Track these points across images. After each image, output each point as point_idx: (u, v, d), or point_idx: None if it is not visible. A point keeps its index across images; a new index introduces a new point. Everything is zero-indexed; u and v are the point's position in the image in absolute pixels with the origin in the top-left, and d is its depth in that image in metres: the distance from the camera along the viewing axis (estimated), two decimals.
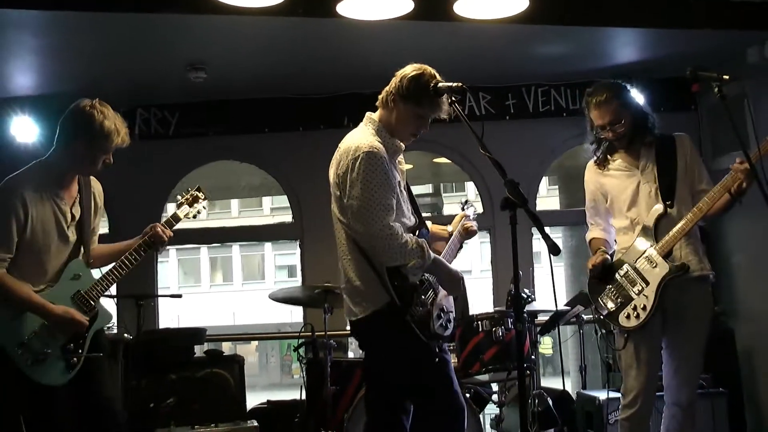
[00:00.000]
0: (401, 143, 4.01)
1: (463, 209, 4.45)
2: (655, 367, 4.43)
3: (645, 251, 4.44)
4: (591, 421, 5.67)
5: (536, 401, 5.77)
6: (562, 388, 6.43)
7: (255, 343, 28.98)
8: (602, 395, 5.61)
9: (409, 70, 3.90)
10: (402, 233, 3.74)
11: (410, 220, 3.98)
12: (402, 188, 3.98)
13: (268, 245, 30.93)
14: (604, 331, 6.42)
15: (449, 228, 4.34)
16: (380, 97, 3.98)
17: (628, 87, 4.60)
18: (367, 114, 4.03)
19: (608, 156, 4.65)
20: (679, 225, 4.38)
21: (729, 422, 5.70)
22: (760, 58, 6.46)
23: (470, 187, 21.13)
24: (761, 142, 4.20)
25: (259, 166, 7.86)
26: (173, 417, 5.77)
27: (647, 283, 4.39)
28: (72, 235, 4.21)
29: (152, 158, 7.47)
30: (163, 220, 4.61)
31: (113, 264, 4.32)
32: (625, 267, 4.49)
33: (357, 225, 3.78)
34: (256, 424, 5.86)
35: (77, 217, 4.23)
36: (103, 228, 7.75)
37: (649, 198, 4.50)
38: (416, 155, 8.71)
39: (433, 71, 3.89)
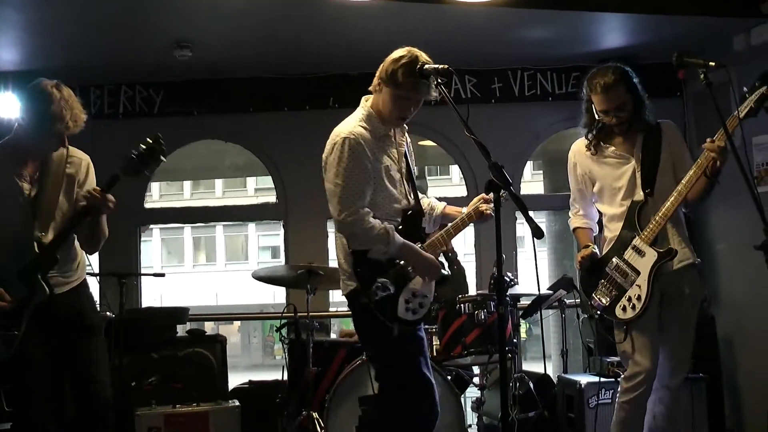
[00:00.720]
0: (395, 126, 4.08)
1: (487, 192, 4.27)
2: (657, 352, 4.42)
3: (631, 242, 4.44)
4: (571, 405, 5.69)
5: (517, 384, 5.80)
6: (543, 371, 6.46)
7: (237, 323, 28.99)
8: (583, 379, 5.64)
9: (394, 53, 3.94)
10: (369, 219, 3.85)
11: (401, 203, 4.04)
12: (395, 171, 4.04)
13: (251, 226, 30.91)
14: (585, 315, 6.49)
15: (464, 210, 4.28)
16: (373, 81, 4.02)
17: (629, 70, 4.51)
18: (363, 97, 4.09)
19: (601, 142, 4.61)
20: (660, 212, 4.38)
21: (708, 407, 5.73)
22: (746, 46, 6.48)
23: (455, 171, 21.17)
24: (728, 119, 4.20)
25: (243, 146, 7.84)
26: (155, 396, 5.77)
27: (638, 273, 4.39)
28: (25, 211, 4.15)
29: (136, 136, 7.35)
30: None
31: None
32: (614, 259, 4.48)
33: (330, 207, 3.93)
34: (237, 403, 5.86)
35: (32, 194, 4.18)
36: None
37: (637, 187, 4.50)
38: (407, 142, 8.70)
39: (416, 53, 3.89)
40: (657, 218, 4.37)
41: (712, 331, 6.34)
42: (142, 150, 4.19)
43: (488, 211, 4.18)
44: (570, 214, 4.85)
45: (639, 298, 4.35)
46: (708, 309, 6.57)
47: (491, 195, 4.17)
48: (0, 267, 4.08)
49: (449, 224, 4.22)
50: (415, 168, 4.30)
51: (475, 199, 4.27)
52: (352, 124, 3.96)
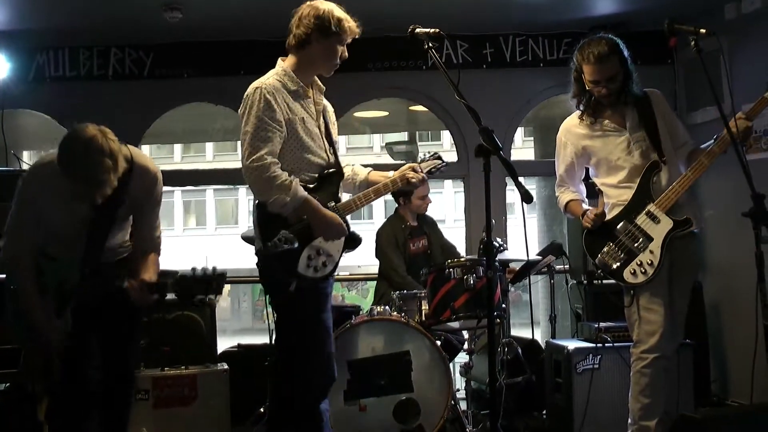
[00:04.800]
0: (317, 85, 4.24)
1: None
2: (668, 310, 4.43)
3: (645, 208, 4.47)
4: (559, 370, 5.73)
5: (505, 349, 5.83)
6: (531, 337, 6.50)
7: (227, 287, 28.95)
8: (571, 344, 5.67)
9: (319, 6, 4.14)
10: (275, 168, 3.88)
11: (319, 156, 4.11)
12: (312, 125, 4.12)
13: (242, 190, 30.83)
14: (574, 281, 6.53)
15: (390, 173, 4.37)
16: (291, 41, 4.18)
17: (620, 42, 4.50)
18: (279, 58, 4.25)
19: (594, 115, 4.60)
20: (678, 181, 4.41)
21: (694, 373, 5.78)
22: (738, 14, 6.47)
23: (446, 136, 21.13)
24: (754, 103, 4.23)
25: (233, 109, 7.79)
26: (143, 359, 5.77)
27: (651, 239, 4.42)
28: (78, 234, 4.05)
29: (126, 99, 7.39)
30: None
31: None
32: (624, 223, 4.50)
33: (241, 158, 3.99)
34: (226, 367, 5.88)
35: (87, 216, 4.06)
36: None
37: (642, 157, 4.51)
38: (392, 102, 8.68)
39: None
40: (675, 187, 4.40)
41: (699, 298, 6.39)
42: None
43: (414, 179, 4.30)
44: (558, 193, 4.85)
45: (651, 263, 4.39)
46: (697, 275, 6.62)
47: (420, 165, 4.38)
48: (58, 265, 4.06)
49: (371, 188, 4.27)
50: (336, 134, 4.37)
51: (404, 167, 4.38)
52: (264, 78, 4.10)
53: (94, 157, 3.73)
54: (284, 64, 4.17)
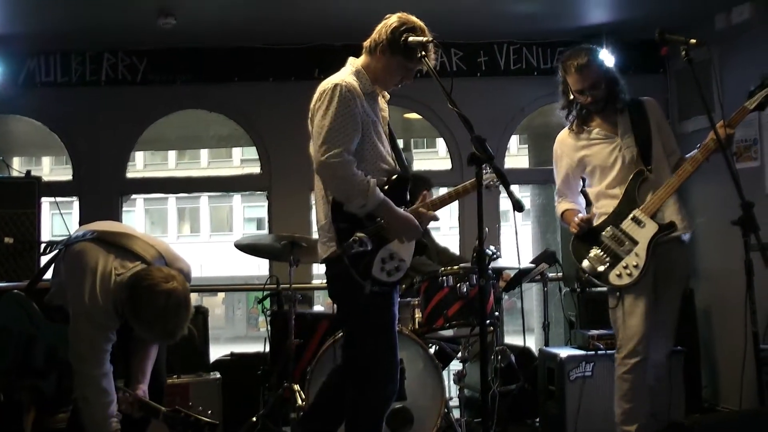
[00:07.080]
0: (383, 90, 4.15)
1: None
2: (651, 317, 4.49)
3: (630, 213, 4.52)
4: (552, 378, 5.73)
5: (499, 357, 5.83)
6: (524, 344, 6.50)
7: (222, 295, 28.94)
8: (564, 352, 5.68)
9: (397, 21, 3.94)
10: (353, 167, 3.79)
11: (389, 164, 4.04)
12: (382, 131, 4.06)
13: (237, 197, 30.83)
14: (567, 289, 6.54)
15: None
16: (366, 44, 4.04)
17: (599, 51, 4.63)
18: (350, 57, 4.10)
19: (584, 125, 4.70)
20: (663, 187, 4.49)
21: (684, 380, 5.80)
22: (727, 24, 6.51)
23: (440, 144, 21.14)
24: (735, 112, 4.29)
25: (227, 116, 7.80)
26: None
27: (636, 243, 4.49)
28: None
29: (119, 105, 7.39)
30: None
31: None
32: (610, 228, 4.57)
33: (313, 150, 3.85)
34: (218, 376, 5.87)
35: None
36: (66, 175, 7.66)
37: (632, 163, 4.58)
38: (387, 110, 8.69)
39: (421, 25, 3.94)
40: (660, 192, 4.49)
41: (690, 305, 6.41)
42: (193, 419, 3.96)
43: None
44: (556, 203, 4.91)
45: (637, 266, 4.46)
46: (688, 282, 6.64)
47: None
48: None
49: (435, 197, 4.29)
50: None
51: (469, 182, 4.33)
52: (341, 76, 3.95)
53: (175, 312, 3.79)
54: (358, 64, 4.04)
